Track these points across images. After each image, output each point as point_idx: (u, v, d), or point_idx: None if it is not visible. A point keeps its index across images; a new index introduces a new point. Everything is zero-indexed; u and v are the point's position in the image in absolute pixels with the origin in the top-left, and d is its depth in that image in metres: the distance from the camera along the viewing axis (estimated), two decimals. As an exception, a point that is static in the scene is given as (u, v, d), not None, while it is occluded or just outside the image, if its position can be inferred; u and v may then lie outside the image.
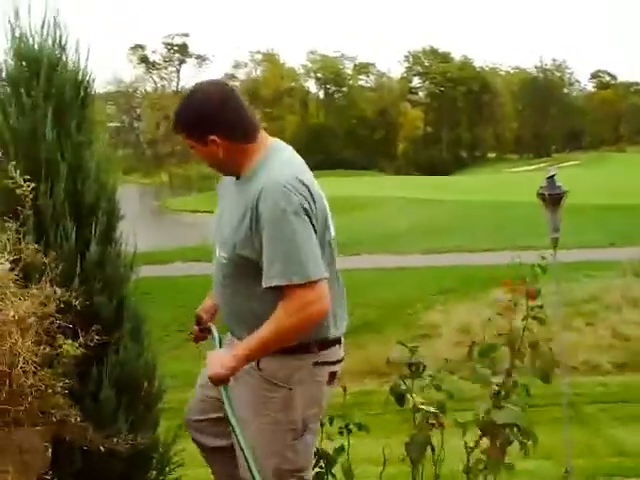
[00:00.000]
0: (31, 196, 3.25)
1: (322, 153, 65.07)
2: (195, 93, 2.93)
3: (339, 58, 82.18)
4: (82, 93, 3.54)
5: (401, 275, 14.99)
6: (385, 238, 20.03)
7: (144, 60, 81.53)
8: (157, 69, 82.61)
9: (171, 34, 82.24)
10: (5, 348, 2.09)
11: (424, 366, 3.31)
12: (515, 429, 2.88)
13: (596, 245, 21.59)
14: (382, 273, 15.36)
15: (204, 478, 3.95)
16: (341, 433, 3.30)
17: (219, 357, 2.85)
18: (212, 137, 2.84)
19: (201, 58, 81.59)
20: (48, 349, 2.34)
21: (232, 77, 76.20)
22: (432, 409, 2.90)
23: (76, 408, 2.78)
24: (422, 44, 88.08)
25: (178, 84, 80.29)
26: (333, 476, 3.24)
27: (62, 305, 2.48)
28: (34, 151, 3.36)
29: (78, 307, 3.20)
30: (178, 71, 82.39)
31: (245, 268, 2.84)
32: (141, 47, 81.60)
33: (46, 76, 3.39)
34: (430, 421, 2.92)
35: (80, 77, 3.55)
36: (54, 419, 2.32)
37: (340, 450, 3.28)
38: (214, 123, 2.84)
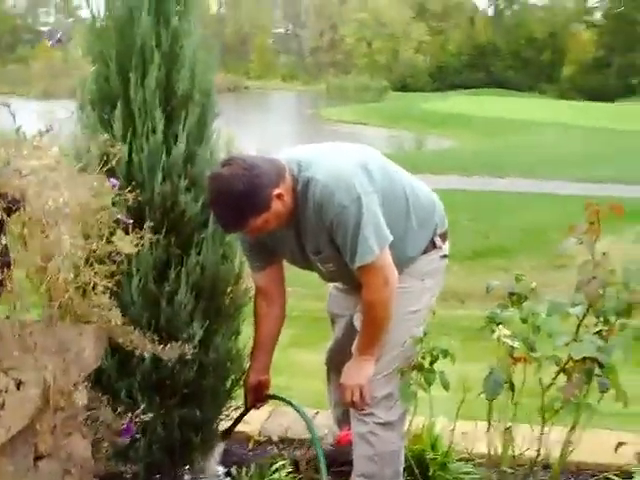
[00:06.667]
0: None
1: (484, 71, 63.26)
2: (221, 186, 2.83)
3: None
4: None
5: (544, 202, 14.26)
6: (536, 164, 19.11)
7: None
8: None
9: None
10: (45, 239, 1.94)
11: (526, 297, 3.06)
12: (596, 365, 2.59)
13: None
14: (525, 198, 14.69)
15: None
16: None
17: (358, 369, 3.06)
18: (275, 192, 2.81)
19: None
20: (100, 245, 2.17)
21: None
22: (516, 344, 2.61)
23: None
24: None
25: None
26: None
27: (131, 199, 2.31)
28: (129, 37, 3.18)
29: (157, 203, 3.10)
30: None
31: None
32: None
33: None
34: (514, 356, 2.64)
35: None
36: (96, 319, 2.17)
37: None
38: (264, 182, 2.80)
